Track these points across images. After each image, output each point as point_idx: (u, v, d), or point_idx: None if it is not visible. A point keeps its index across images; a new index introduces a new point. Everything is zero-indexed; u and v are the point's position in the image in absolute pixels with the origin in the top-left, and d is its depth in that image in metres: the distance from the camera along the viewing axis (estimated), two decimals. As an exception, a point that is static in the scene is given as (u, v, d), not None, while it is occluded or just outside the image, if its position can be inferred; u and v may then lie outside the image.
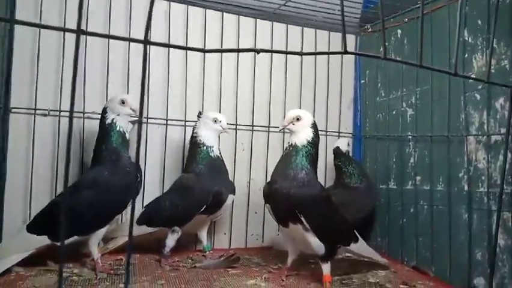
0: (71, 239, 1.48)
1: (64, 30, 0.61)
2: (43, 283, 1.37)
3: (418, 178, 1.85)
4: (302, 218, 1.42)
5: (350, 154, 2.11)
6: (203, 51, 0.64)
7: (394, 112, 2.03)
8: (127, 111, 1.62)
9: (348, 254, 1.76)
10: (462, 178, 1.61)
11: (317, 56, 2.27)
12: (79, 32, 0.57)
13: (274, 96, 2.17)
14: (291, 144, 1.52)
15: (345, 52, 0.75)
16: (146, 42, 0.59)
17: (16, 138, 1.72)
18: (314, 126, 1.55)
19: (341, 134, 2.32)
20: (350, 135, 2.37)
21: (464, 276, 1.54)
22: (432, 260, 1.72)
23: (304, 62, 2.24)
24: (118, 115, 1.61)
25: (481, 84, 1.54)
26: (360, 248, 1.63)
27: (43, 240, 1.46)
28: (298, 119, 1.53)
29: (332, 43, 2.27)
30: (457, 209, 1.62)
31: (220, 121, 1.81)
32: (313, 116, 2.17)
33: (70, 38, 1.80)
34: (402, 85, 1.97)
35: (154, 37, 1.87)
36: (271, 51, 0.59)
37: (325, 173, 2.25)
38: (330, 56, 2.30)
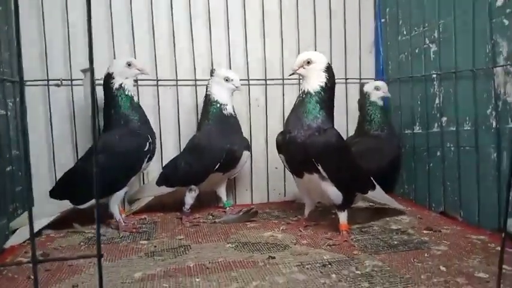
0: (91, 202, 1.55)
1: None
2: (69, 243, 1.45)
3: (444, 119, 1.72)
4: (319, 167, 1.37)
5: (371, 98, 1.98)
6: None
7: (417, 50, 1.88)
8: (135, 73, 1.64)
9: (366, 202, 1.71)
10: (490, 115, 1.47)
11: (332, -1, 2.11)
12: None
13: (286, 45, 2.06)
14: (303, 90, 1.43)
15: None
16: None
17: (34, 109, 1.78)
18: (328, 69, 1.43)
19: (362, 81, 2.20)
20: (373, 80, 2.23)
21: (494, 219, 1.45)
22: (460, 205, 1.63)
23: (318, 5, 2.10)
24: (126, 78, 1.61)
25: (511, 7, 1.37)
26: (377, 195, 1.58)
27: (66, 204, 1.54)
28: (309, 63, 1.43)
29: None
30: (485, 149, 1.50)
31: (232, 79, 1.77)
32: (330, 63, 2.10)
33: (72, 5, 1.80)
34: (424, 19, 1.79)
35: None
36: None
37: (346, 122, 2.16)
38: (346, -4, 2.14)
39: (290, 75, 1.48)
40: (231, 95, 1.79)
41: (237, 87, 1.78)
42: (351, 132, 2.13)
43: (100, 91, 1.68)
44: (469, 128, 1.58)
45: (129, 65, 1.63)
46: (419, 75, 1.86)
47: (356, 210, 1.69)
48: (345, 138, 2.09)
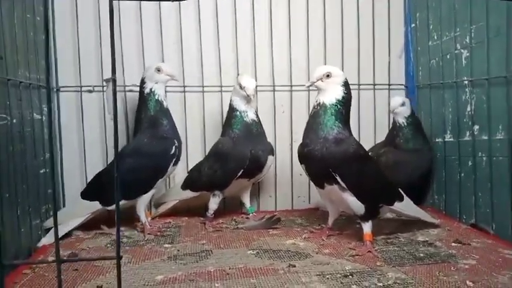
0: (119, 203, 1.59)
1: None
2: (96, 245, 1.50)
3: (476, 127, 1.65)
4: (337, 178, 1.37)
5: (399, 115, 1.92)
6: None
7: (448, 56, 1.82)
8: (164, 78, 1.68)
9: (393, 214, 1.65)
10: (524, 123, 1.40)
11: (360, 2, 2.08)
12: None
13: (313, 52, 2.06)
14: (319, 103, 1.44)
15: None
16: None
17: (68, 114, 1.87)
18: (346, 84, 1.45)
19: (391, 86, 2.15)
20: (402, 86, 2.18)
21: (529, 233, 1.37)
22: (492, 217, 1.55)
23: (346, 10, 2.08)
24: (156, 83, 1.67)
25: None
26: (406, 207, 1.53)
27: (96, 206, 1.59)
28: (328, 76, 1.44)
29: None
30: (519, 159, 1.43)
31: (244, 87, 1.72)
32: (358, 68, 2.08)
33: (105, 16, 1.87)
34: (456, 24, 1.74)
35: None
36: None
37: (374, 130, 2.12)
38: (375, 1, 2.11)
39: (308, 86, 1.50)
40: (246, 102, 1.76)
41: (248, 95, 1.72)
42: (379, 138, 2.08)
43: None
44: (501, 137, 1.51)
45: (158, 70, 1.67)
46: (450, 81, 1.80)
47: (383, 221, 1.65)
48: (372, 146, 2.06)
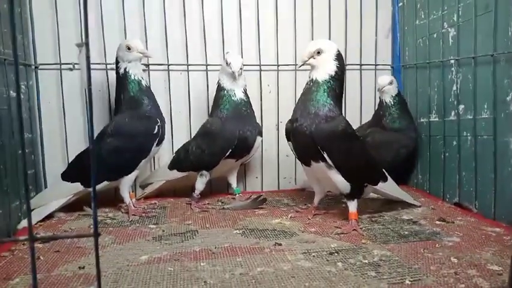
0: (101, 185, 1.56)
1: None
2: (79, 226, 1.47)
3: (461, 107, 1.65)
4: (325, 155, 1.35)
5: (386, 94, 1.92)
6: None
7: (435, 35, 1.80)
8: (136, 56, 1.61)
9: (376, 195, 1.66)
10: (509, 102, 1.40)
11: (347, -18, 2.05)
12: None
13: (300, 30, 2.02)
14: (312, 79, 1.41)
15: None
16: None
17: (48, 93, 1.80)
18: (339, 58, 1.41)
19: (377, 67, 2.14)
20: (389, 66, 2.17)
21: (510, 212, 1.39)
22: (475, 196, 1.57)
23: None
24: (130, 62, 1.60)
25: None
26: (390, 188, 1.54)
27: (77, 187, 1.55)
28: (319, 53, 1.40)
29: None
30: (503, 138, 1.43)
31: (230, 63, 1.67)
32: (345, 49, 2.05)
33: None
34: (443, 2, 1.72)
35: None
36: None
37: (360, 109, 2.11)
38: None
39: (300, 66, 1.45)
40: (232, 80, 1.71)
41: (233, 71, 1.66)
42: (365, 119, 2.08)
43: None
44: (486, 116, 1.52)
45: (129, 48, 1.60)
46: (436, 60, 1.79)
47: (368, 200, 1.65)
48: (358, 125, 2.05)
